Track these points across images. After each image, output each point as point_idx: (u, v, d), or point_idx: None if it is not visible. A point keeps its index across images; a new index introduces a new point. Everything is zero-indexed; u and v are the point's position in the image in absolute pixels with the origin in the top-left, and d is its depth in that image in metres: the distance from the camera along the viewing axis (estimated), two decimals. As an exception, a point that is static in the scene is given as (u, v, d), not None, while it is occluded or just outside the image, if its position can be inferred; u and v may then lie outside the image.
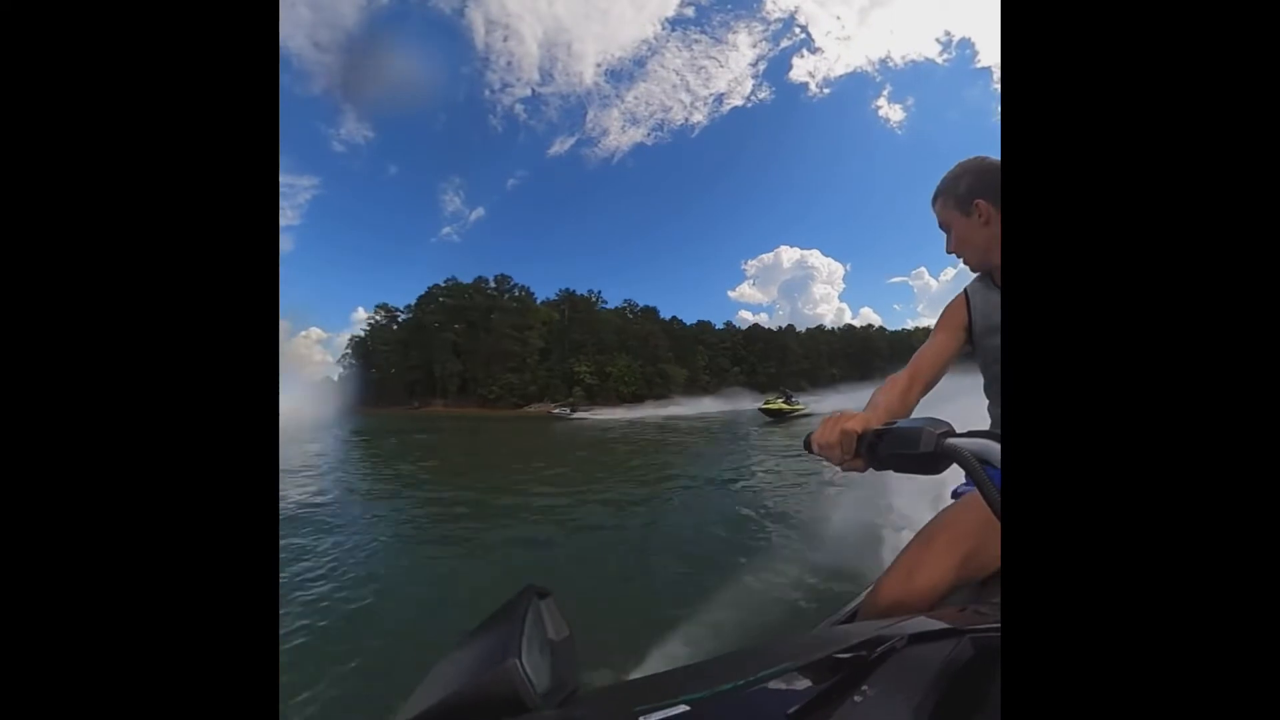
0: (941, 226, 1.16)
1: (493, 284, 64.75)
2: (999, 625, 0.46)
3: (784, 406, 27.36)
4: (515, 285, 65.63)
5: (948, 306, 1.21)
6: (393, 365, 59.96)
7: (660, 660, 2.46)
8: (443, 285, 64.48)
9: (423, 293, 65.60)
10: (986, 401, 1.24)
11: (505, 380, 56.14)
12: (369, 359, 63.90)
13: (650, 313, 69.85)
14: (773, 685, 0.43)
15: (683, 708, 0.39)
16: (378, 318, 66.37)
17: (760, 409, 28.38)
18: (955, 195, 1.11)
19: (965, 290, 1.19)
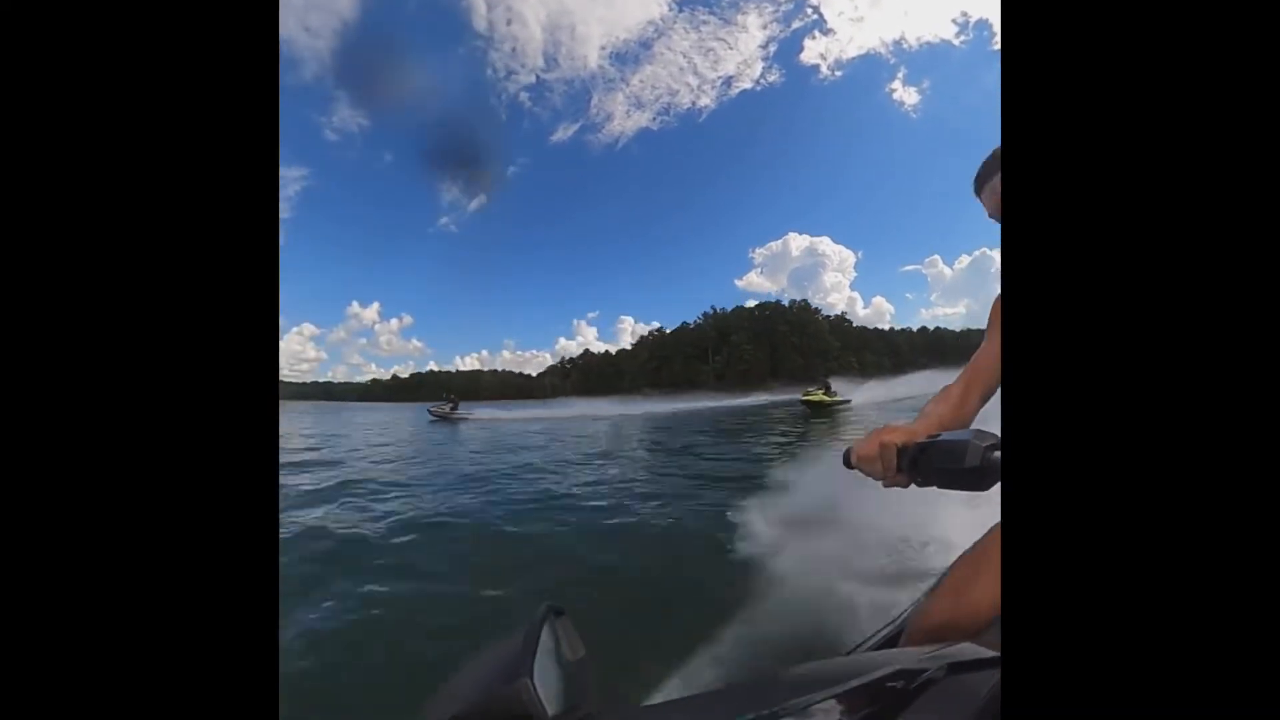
0: (993, 215, 0.97)
1: (801, 302, 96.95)
2: None
3: (824, 398, 24.64)
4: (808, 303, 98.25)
5: (998, 300, 1.01)
6: (746, 357, 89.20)
7: (683, 680, 2.19)
8: (772, 303, 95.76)
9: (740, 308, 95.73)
10: None
11: (826, 367, 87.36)
12: (686, 355, 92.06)
13: (843, 318, 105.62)
14: (800, 716, 0.40)
15: None
16: (700, 319, 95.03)
17: (801, 400, 25.35)
18: None
19: None
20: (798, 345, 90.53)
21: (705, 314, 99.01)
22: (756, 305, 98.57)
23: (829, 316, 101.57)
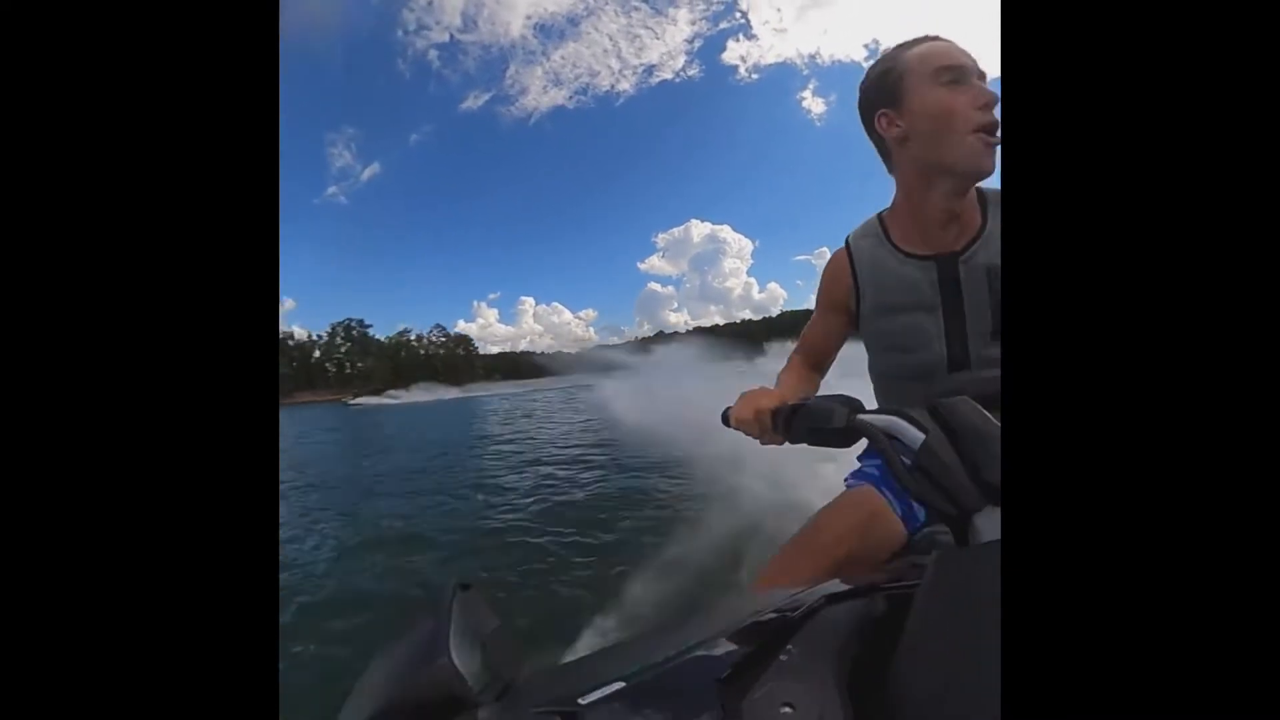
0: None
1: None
2: (908, 582, 0.49)
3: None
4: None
5: (826, 270, 1.00)
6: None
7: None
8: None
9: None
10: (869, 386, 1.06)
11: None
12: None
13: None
14: (701, 653, 0.43)
15: (619, 685, 0.39)
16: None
17: None
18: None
19: (847, 243, 0.96)
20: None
21: (782, 313, 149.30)
22: (803, 310, 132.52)
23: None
